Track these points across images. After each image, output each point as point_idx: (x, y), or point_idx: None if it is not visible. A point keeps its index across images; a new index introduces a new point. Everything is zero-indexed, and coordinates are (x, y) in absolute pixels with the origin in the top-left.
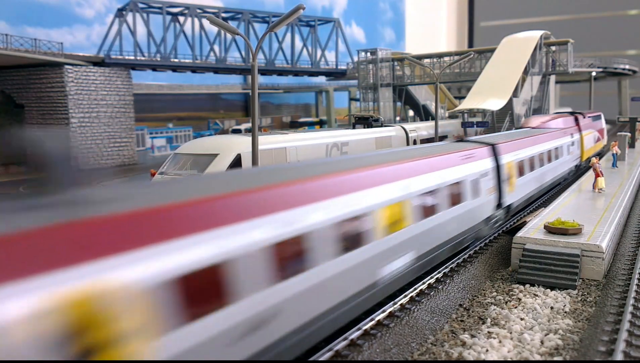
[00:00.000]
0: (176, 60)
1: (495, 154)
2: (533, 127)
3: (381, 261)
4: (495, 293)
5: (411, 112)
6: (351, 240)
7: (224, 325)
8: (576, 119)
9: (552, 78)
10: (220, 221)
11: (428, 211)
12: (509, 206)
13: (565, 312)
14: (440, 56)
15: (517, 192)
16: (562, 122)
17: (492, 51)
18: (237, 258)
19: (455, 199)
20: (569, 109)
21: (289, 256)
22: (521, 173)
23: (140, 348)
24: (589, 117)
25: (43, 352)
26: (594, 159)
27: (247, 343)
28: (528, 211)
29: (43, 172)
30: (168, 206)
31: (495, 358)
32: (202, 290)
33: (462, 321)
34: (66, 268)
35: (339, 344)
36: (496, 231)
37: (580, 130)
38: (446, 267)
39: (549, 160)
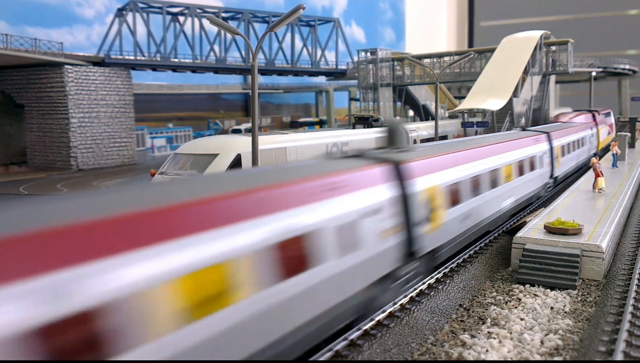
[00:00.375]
0: (176, 60)
1: (549, 140)
2: (564, 122)
3: (505, 197)
4: (495, 293)
5: (411, 112)
6: (496, 180)
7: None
8: (593, 116)
9: (552, 78)
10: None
11: (521, 172)
12: (555, 177)
13: (565, 312)
14: (440, 55)
15: (562, 167)
16: (584, 118)
17: (492, 50)
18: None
19: (532, 166)
20: (569, 109)
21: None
22: (563, 154)
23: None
24: (602, 114)
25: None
26: (593, 159)
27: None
28: (528, 211)
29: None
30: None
31: (495, 358)
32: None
33: (462, 321)
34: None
35: (339, 344)
36: (548, 194)
37: (596, 124)
38: (446, 267)
39: (579, 146)
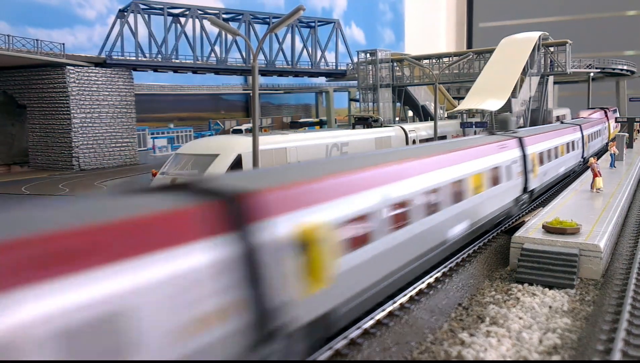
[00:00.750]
0: (177, 61)
1: (581, 130)
2: (585, 117)
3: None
4: (494, 293)
5: (410, 113)
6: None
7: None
8: (605, 112)
9: (551, 79)
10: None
11: (564, 151)
12: (585, 158)
13: (564, 311)
14: (439, 56)
15: (590, 151)
16: (599, 115)
17: (490, 51)
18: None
19: (570, 149)
20: (568, 110)
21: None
22: (589, 140)
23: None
24: (611, 111)
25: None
26: (592, 159)
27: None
28: (527, 211)
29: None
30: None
31: (493, 357)
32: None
33: (461, 320)
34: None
35: (339, 343)
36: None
37: (607, 119)
38: (445, 267)
39: (598, 136)
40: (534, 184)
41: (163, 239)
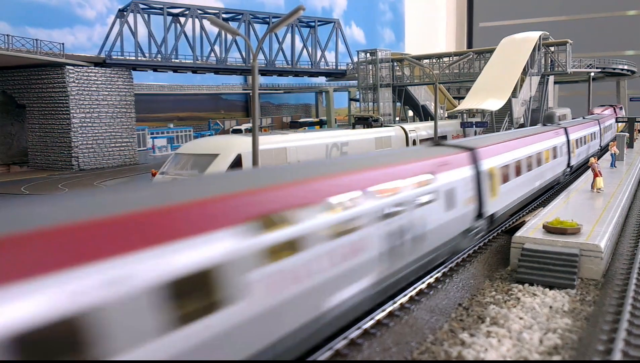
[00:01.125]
0: (177, 60)
1: (599, 124)
2: (598, 113)
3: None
4: (494, 293)
5: (411, 113)
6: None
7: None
8: (614, 109)
9: (551, 79)
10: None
11: (589, 140)
12: (601, 147)
13: (564, 311)
14: (439, 56)
15: (604, 141)
16: (609, 111)
17: (491, 51)
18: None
19: (592, 138)
20: (568, 110)
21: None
22: (605, 133)
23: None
24: (619, 108)
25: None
26: (592, 159)
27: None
28: (526, 211)
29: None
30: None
31: (494, 357)
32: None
33: (461, 320)
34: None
35: (339, 343)
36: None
37: (617, 115)
38: (445, 267)
39: (610, 129)
40: (574, 161)
41: (462, 165)
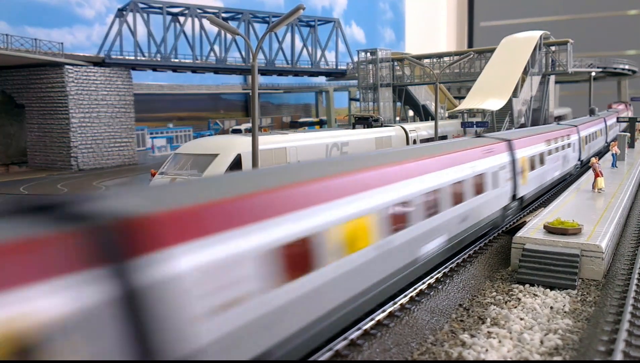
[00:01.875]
0: (176, 60)
1: (605, 122)
2: (615, 108)
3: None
4: (495, 293)
5: (411, 113)
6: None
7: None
8: (626, 106)
9: (552, 78)
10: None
11: (592, 137)
12: (607, 143)
13: (565, 312)
14: (440, 56)
15: (609, 138)
16: (622, 107)
17: (491, 51)
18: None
19: (599, 135)
20: (569, 109)
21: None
22: (609, 131)
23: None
24: (629, 104)
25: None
26: (593, 159)
27: None
28: (527, 211)
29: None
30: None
31: (494, 358)
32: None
33: (461, 321)
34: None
35: (339, 344)
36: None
37: (628, 111)
38: (446, 267)
39: (613, 128)
40: (584, 156)
41: (502, 151)
